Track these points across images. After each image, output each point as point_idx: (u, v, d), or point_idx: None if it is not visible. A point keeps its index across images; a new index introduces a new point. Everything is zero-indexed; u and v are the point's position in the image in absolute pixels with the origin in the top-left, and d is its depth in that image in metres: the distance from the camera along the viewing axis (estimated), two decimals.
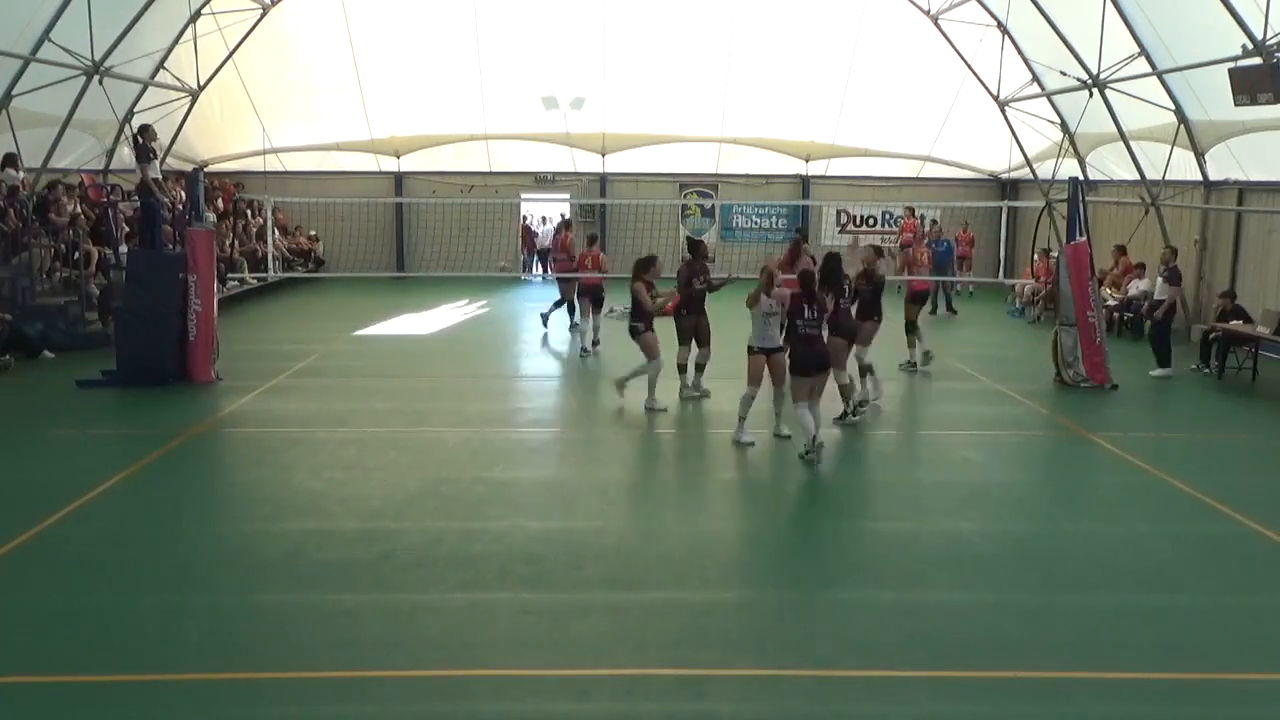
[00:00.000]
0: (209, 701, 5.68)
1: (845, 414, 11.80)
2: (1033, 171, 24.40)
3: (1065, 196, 14.97)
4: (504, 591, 7.19)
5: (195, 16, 21.21)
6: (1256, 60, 13.39)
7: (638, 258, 12.88)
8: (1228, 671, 6.18)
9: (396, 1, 24.54)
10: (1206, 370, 15.24)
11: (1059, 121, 21.85)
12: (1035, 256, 21.51)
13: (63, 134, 18.99)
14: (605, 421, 12.17)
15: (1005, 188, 27.02)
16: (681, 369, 12.87)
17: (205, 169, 25.26)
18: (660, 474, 10.09)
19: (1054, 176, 21.75)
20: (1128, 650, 6.39)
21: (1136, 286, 18.70)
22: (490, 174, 27.03)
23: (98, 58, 18.05)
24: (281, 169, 26.46)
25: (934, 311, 20.85)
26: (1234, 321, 15.15)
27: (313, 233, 26.22)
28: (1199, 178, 18.48)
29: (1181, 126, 17.96)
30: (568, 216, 21.78)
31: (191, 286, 13.75)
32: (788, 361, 10.41)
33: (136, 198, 18.23)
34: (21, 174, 17.16)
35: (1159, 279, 15.79)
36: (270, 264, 19.66)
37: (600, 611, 6.84)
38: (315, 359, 15.73)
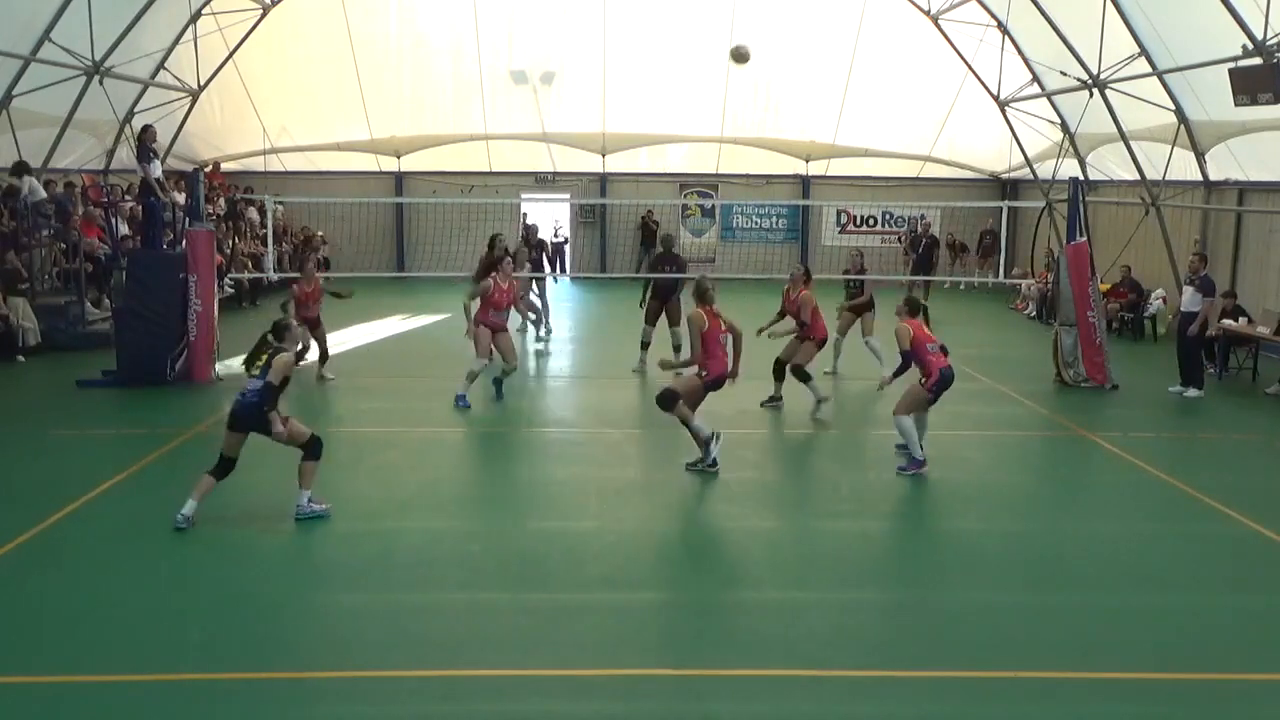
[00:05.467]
0: (209, 701, 5.68)
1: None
2: (1033, 171, 24.41)
3: (1065, 196, 14.96)
4: (504, 591, 7.19)
5: (195, 16, 21.21)
6: (1256, 60, 13.38)
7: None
8: (1228, 671, 6.18)
9: (396, 1, 24.55)
10: (1211, 370, 15.23)
11: (1059, 121, 21.86)
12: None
13: (63, 134, 19.01)
14: (605, 420, 12.16)
15: (1005, 188, 27.02)
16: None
17: (216, 166, 25.37)
18: (660, 474, 10.08)
19: (1054, 176, 21.75)
20: (1128, 650, 6.39)
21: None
22: (490, 174, 27.03)
23: (98, 58, 18.05)
24: (282, 169, 26.47)
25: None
26: (1239, 320, 15.13)
27: (319, 234, 26.20)
28: (1199, 178, 18.47)
29: (1181, 126, 17.95)
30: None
31: (191, 286, 13.75)
32: None
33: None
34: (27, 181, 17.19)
35: (1187, 288, 14.12)
36: (271, 265, 19.61)
37: (600, 611, 6.84)
38: (315, 359, 15.71)
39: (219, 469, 8.33)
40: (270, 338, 8.46)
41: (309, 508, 8.42)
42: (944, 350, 10.02)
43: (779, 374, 12.65)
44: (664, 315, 14.66)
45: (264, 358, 8.29)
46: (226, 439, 8.36)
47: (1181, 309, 14.25)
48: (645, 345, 14.70)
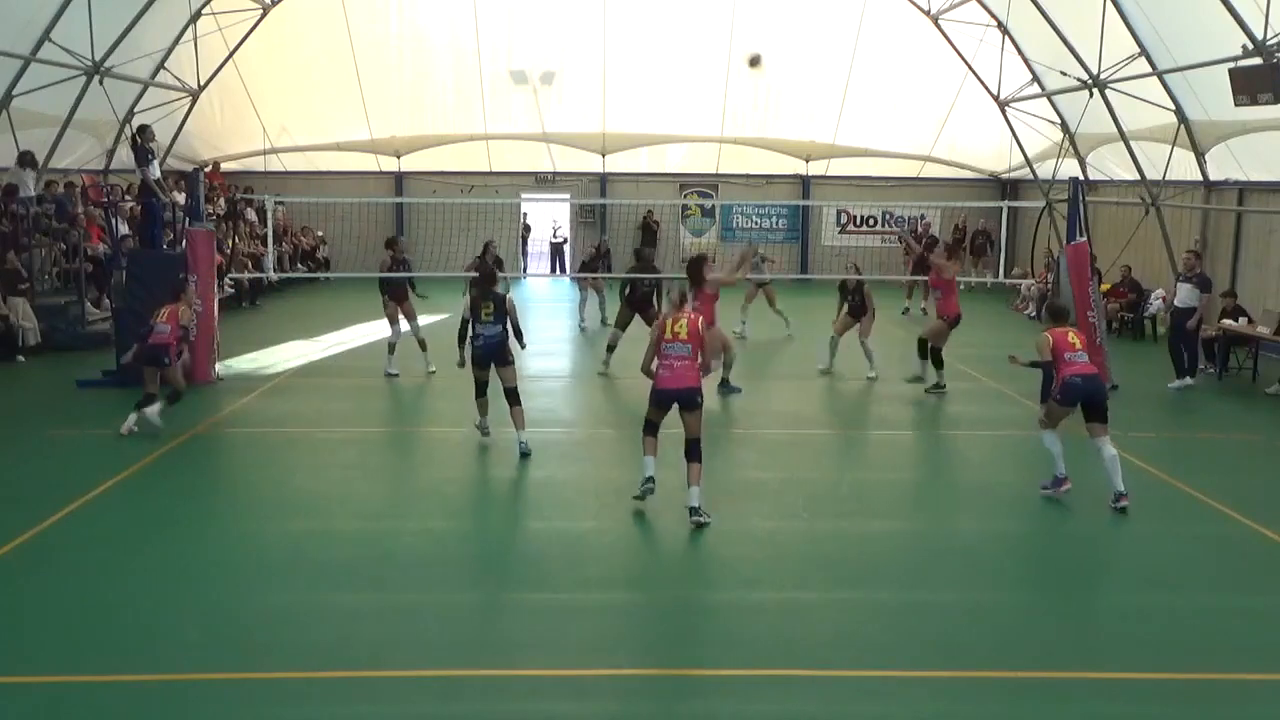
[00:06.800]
0: (209, 701, 5.68)
1: None
2: (1033, 171, 24.39)
3: (1065, 196, 14.95)
4: (504, 591, 7.20)
5: (195, 16, 21.20)
6: (1256, 60, 13.38)
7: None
8: (1228, 671, 6.18)
9: (396, 1, 24.55)
10: (1211, 369, 15.24)
11: (1059, 121, 21.85)
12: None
13: (63, 134, 18.99)
14: (606, 421, 12.16)
15: (1005, 188, 27.00)
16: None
17: (216, 166, 25.37)
18: (660, 474, 10.06)
19: (1054, 176, 21.74)
20: (1128, 650, 6.40)
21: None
22: (490, 174, 27.03)
23: (98, 58, 18.04)
24: (282, 169, 26.46)
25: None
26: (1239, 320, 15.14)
27: (320, 233, 26.20)
28: (1199, 178, 18.46)
29: (1181, 126, 17.95)
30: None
31: (191, 287, 13.72)
32: None
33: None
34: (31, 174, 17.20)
35: (1183, 285, 14.41)
36: (271, 264, 19.62)
37: (600, 611, 6.84)
38: (315, 359, 15.73)
39: (478, 391, 10.43)
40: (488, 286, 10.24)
41: (527, 444, 10.22)
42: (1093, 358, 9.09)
43: (922, 352, 13.55)
44: (640, 322, 14.50)
45: (491, 306, 10.11)
46: (475, 373, 10.37)
47: (1175, 304, 14.57)
48: (610, 348, 14.76)
